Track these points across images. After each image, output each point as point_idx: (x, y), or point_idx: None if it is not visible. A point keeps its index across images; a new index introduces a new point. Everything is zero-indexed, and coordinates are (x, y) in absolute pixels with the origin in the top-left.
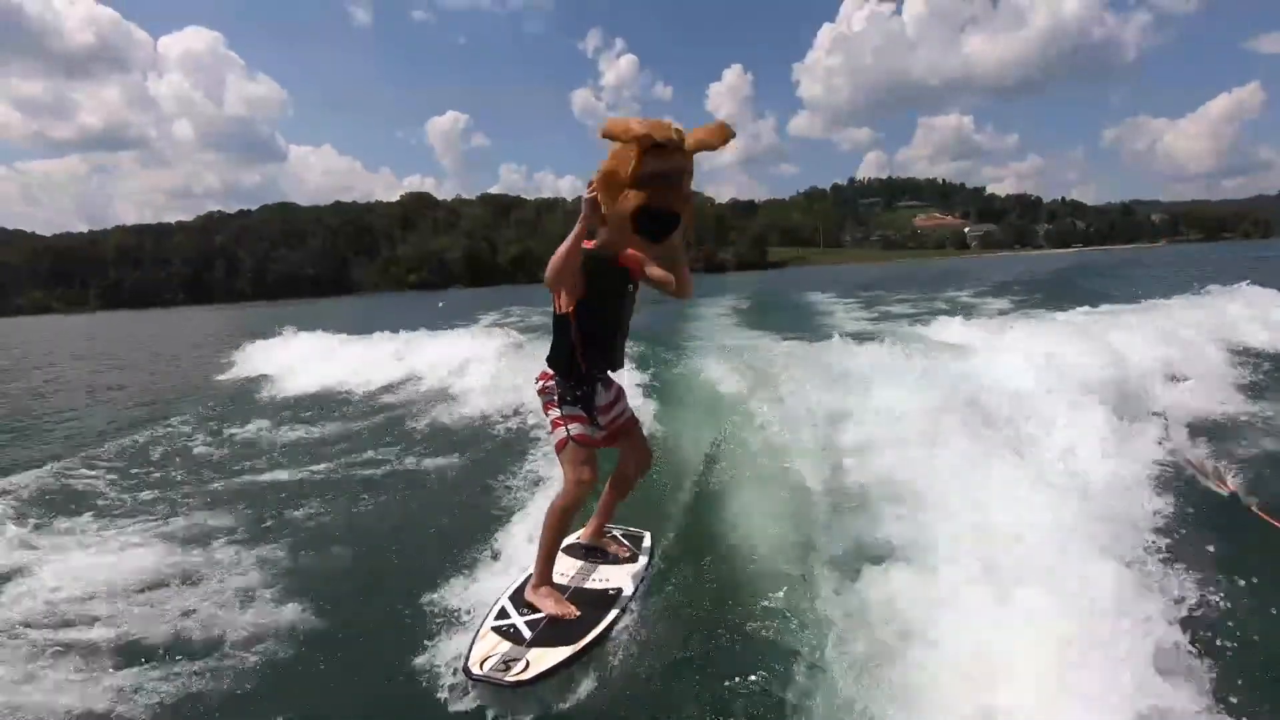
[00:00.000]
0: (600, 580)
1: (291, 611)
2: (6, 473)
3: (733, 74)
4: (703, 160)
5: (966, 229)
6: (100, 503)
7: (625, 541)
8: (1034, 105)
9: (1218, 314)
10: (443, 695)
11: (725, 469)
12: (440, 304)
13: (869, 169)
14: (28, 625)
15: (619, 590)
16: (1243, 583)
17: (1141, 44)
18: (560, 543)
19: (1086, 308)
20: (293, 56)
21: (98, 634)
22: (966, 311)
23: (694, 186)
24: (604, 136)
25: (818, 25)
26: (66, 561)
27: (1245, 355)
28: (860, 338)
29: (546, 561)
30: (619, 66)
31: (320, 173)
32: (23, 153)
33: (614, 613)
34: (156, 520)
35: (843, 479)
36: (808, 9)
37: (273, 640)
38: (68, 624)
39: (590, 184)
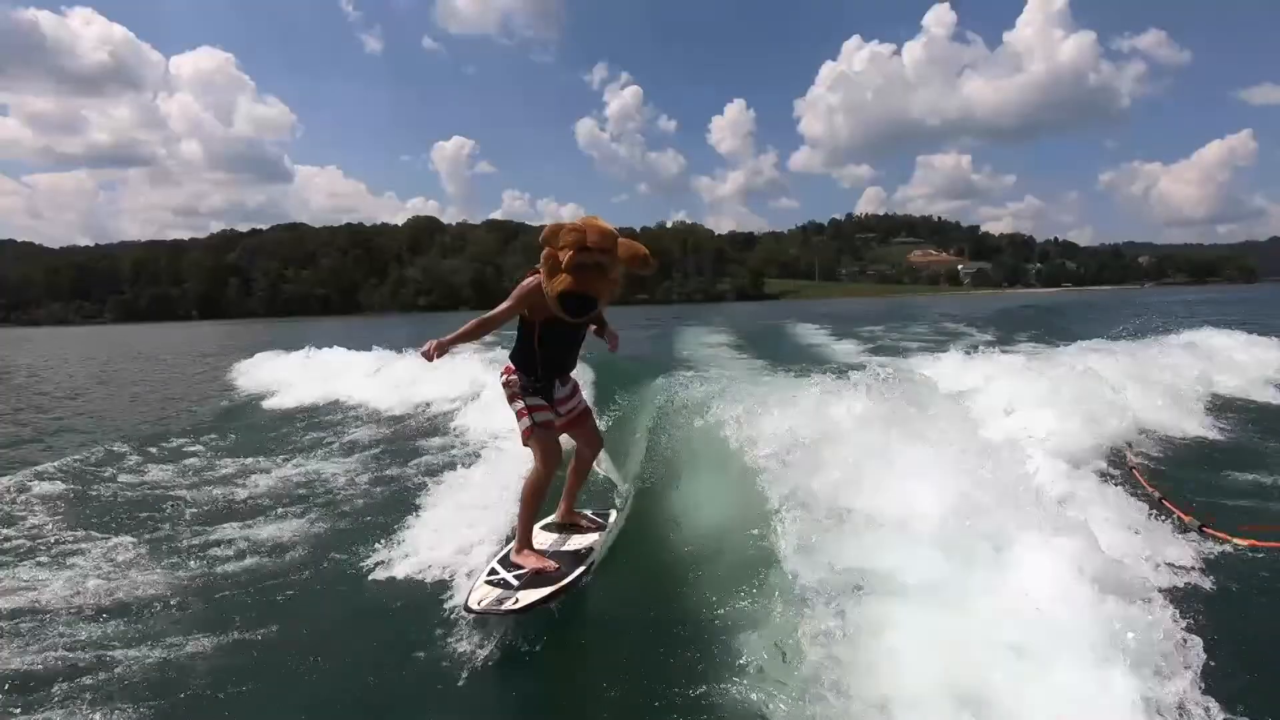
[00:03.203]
0: (573, 545)
1: (305, 578)
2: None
3: (735, 108)
4: (704, 192)
5: (960, 266)
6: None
7: (593, 517)
8: (1031, 147)
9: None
10: (443, 632)
11: (685, 462)
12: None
13: (868, 204)
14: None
15: (590, 548)
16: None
17: (1136, 92)
18: (535, 514)
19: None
20: (304, 80)
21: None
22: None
23: (695, 220)
24: (543, 241)
25: (819, 63)
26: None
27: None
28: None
29: (526, 529)
30: (624, 98)
31: (326, 194)
32: (31, 167)
33: (587, 562)
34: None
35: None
36: (810, 47)
37: (297, 590)
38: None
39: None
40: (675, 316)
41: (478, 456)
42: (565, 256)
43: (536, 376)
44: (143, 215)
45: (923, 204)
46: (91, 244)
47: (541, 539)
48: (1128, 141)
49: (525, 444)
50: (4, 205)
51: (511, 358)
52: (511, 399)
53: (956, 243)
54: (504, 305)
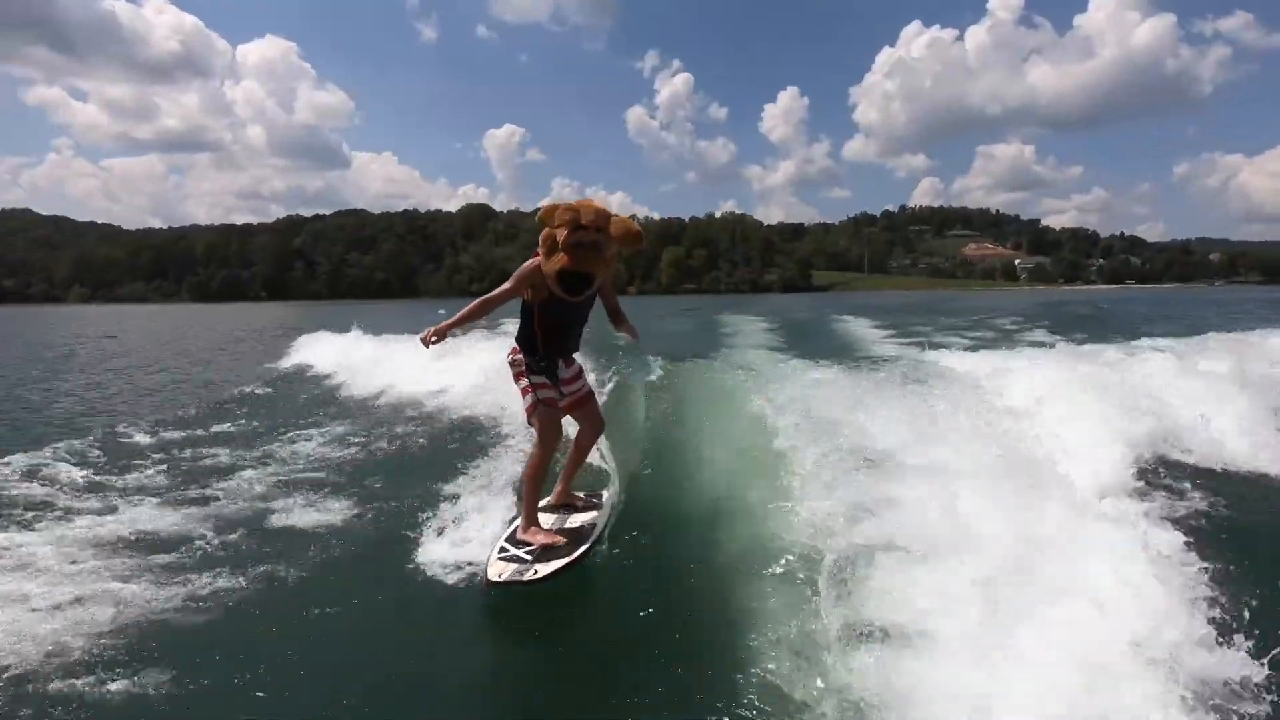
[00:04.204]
0: (574, 522)
1: (328, 544)
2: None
3: (788, 96)
4: (754, 181)
5: (1017, 261)
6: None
7: (588, 498)
8: (1100, 137)
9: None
10: (456, 609)
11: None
12: (440, 310)
13: (923, 196)
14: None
15: (592, 524)
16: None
17: (1218, 78)
18: (540, 491)
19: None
20: (361, 67)
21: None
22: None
23: (744, 209)
24: (540, 221)
25: (877, 49)
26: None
27: None
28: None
29: (532, 506)
30: (674, 85)
31: (381, 180)
32: (108, 152)
33: (593, 537)
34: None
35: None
36: (867, 33)
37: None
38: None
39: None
40: (718, 305)
41: (486, 436)
42: (561, 235)
43: (539, 356)
44: (209, 199)
45: (981, 195)
46: (164, 226)
47: (541, 520)
48: (1207, 131)
49: (529, 422)
50: (85, 187)
51: (517, 338)
52: (516, 377)
53: (1015, 236)
54: (504, 286)
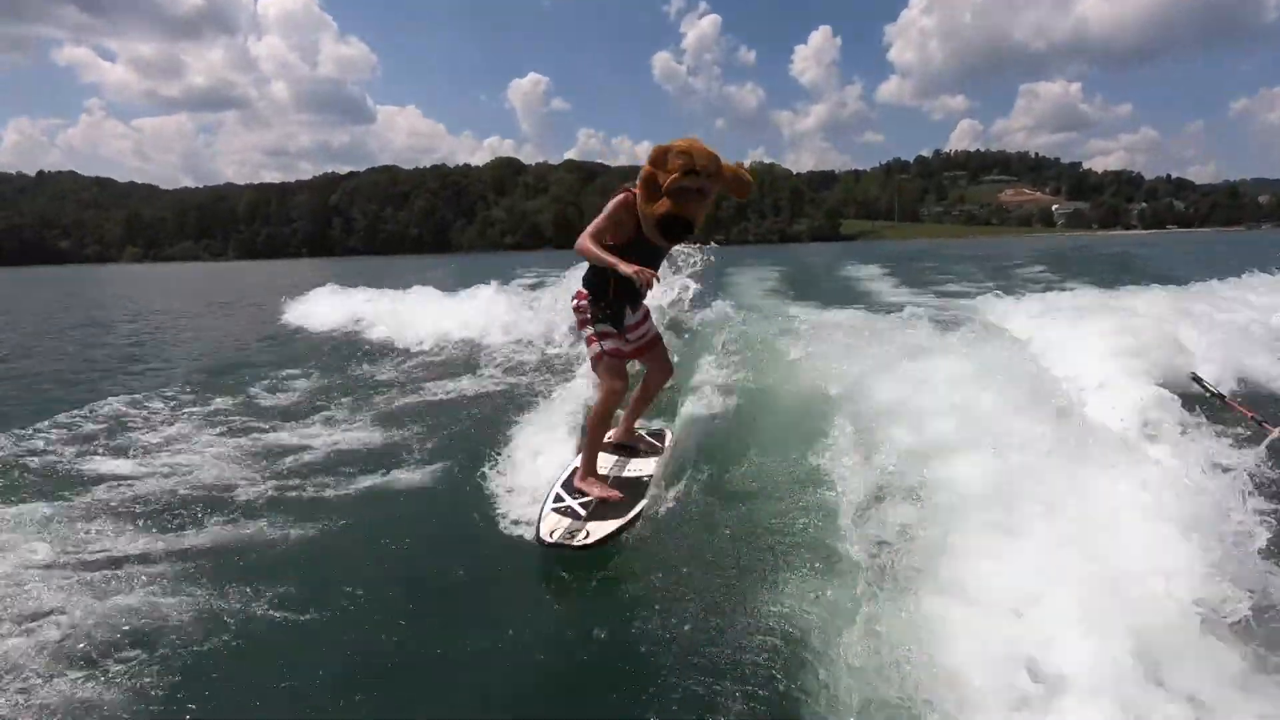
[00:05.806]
0: (633, 470)
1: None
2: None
3: (820, 36)
4: (784, 127)
5: (1055, 206)
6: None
7: (650, 438)
8: (1151, 72)
9: None
10: (516, 560)
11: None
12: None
13: (961, 140)
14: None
15: (650, 476)
16: None
17: None
18: (601, 441)
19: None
20: (382, 18)
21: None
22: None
23: (773, 157)
24: (650, 162)
25: None
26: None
27: None
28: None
29: (591, 456)
30: (701, 28)
31: (406, 133)
32: (139, 111)
33: (650, 494)
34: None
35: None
36: None
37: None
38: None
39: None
40: (739, 256)
41: (543, 382)
42: (670, 179)
43: (607, 301)
44: (238, 156)
45: (1023, 137)
46: (198, 185)
47: (602, 461)
48: (1270, 63)
49: (595, 369)
50: (119, 148)
51: (585, 283)
52: (581, 325)
53: (1054, 181)
54: (601, 223)
